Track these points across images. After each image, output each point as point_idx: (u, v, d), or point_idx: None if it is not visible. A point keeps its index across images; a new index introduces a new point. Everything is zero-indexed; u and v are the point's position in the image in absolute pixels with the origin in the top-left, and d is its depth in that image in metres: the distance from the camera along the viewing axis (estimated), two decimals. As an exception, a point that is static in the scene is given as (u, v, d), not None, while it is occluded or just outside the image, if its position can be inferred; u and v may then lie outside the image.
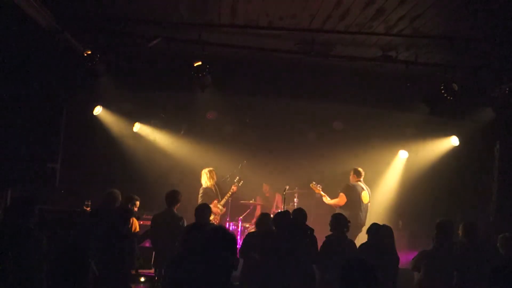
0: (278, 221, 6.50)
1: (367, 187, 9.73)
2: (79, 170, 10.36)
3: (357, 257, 3.60)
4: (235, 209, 10.72)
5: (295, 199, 10.80)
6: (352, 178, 9.72)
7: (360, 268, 3.45)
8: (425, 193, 10.84)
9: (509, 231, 6.83)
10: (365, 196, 9.51)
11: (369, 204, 9.65)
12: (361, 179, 9.69)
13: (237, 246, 3.15)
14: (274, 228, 6.62)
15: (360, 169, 9.77)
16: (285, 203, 10.24)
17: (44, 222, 6.96)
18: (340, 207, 9.30)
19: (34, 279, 5.07)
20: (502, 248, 6.55)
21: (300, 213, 6.84)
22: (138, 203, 7.78)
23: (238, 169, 10.83)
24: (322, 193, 9.77)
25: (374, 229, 6.49)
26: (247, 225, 10.19)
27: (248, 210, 10.86)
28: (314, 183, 9.95)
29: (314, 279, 6.41)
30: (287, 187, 10.47)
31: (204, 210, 7.13)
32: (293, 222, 6.57)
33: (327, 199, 9.64)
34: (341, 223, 6.79)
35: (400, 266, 6.60)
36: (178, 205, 7.65)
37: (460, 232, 6.82)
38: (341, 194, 9.42)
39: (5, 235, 5.12)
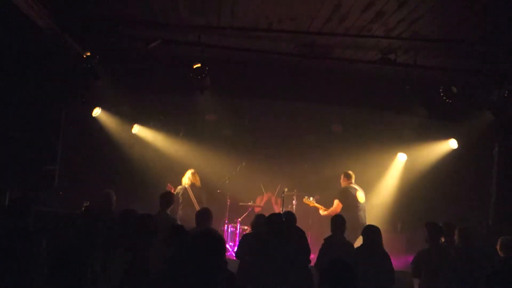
0: (270, 223, 6.35)
1: (360, 187, 9.67)
2: (78, 172, 10.34)
3: (338, 259, 3.60)
4: (233, 211, 10.70)
5: (293, 201, 10.78)
6: (343, 181, 9.63)
7: (340, 269, 3.45)
8: (424, 196, 10.82)
9: (508, 234, 6.83)
10: (360, 196, 9.43)
11: (365, 203, 9.56)
12: (352, 181, 9.61)
13: (225, 248, 3.12)
14: (267, 230, 6.40)
15: (350, 172, 9.69)
16: (284, 205, 10.24)
17: (43, 224, 6.95)
18: (341, 211, 9.24)
19: (32, 281, 5.04)
20: (501, 251, 6.55)
21: (290, 215, 6.81)
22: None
23: (236, 171, 10.84)
24: (317, 205, 9.68)
25: (369, 231, 6.48)
26: (246, 227, 10.17)
27: (247, 212, 10.85)
28: (306, 197, 9.85)
29: (310, 281, 6.38)
30: (286, 189, 10.47)
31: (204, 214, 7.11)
32: (285, 224, 6.51)
33: (323, 211, 9.49)
34: (338, 225, 6.80)
35: (397, 268, 6.59)
36: (172, 206, 7.62)
37: (456, 236, 6.84)
38: (336, 200, 9.30)
39: (2, 237, 5.09)
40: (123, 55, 9.10)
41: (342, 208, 9.18)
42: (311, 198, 9.79)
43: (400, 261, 8.11)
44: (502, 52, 7.62)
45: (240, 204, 10.81)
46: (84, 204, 8.59)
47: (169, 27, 7.73)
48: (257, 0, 6.66)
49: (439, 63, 8.23)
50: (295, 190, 10.86)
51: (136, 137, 11.25)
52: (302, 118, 11.16)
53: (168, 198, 7.51)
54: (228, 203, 10.60)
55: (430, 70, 8.31)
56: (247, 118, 11.31)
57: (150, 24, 7.74)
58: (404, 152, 11.49)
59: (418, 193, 10.95)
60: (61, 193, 9.70)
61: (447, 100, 8.23)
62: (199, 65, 8.13)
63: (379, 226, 6.71)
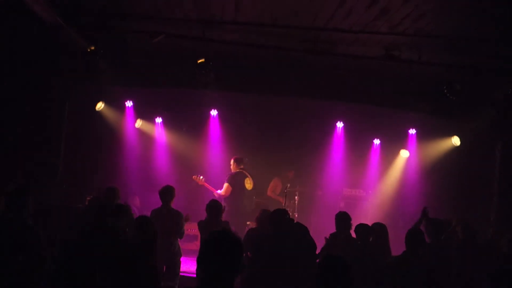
0: (276, 220, 6.21)
1: (249, 174, 9.95)
2: (81, 165, 10.37)
3: (333, 255, 3.61)
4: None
5: (296, 197, 10.81)
6: (233, 166, 9.92)
7: (335, 265, 3.46)
8: (426, 192, 10.84)
9: (510, 231, 6.84)
10: (248, 182, 9.77)
11: (253, 190, 9.96)
12: (242, 166, 9.92)
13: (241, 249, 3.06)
14: (271, 226, 6.26)
15: (240, 157, 10.03)
16: (286, 201, 10.26)
17: (46, 217, 6.97)
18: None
19: (31, 274, 5.01)
20: (507, 248, 6.54)
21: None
22: None
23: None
24: (206, 184, 9.91)
25: (361, 229, 6.46)
26: (248, 223, 10.19)
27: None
28: (195, 176, 9.98)
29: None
30: (288, 185, 10.49)
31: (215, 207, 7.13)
32: (291, 221, 6.45)
33: (215, 192, 9.68)
34: (343, 221, 6.80)
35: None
36: (174, 199, 7.61)
37: (459, 232, 6.85)
38: (226, 184, 9.61)
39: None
40: (127, 49, 9.10)
41: (230, 193, 9.46)
42: (201, 177, 9.94)
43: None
44: (506, 49, 7.60)
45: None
46: (88, 198, 8.63)
47: (173, 21, 7.72)
48: (262, -5, 6.67)
49: (443, 60, 8.21)
50: (297, 186, 10.89)
51: (139, 132, 11.29)
52: (306, 113, 11.16)
53: (168, 192, 7.48)
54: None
55: (434, 67, 8.29)
56: (250, 113, 11.31)
57: (154, 18, 7.74)
58: (407, 149, 11.51)
59: (420, 189, 10.97)
60: (64, 186, 9.73)
61: (451, 97, 8.23)
62: (203, 60, 8.14)
63: (380, 222, 6.74)
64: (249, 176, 9.90)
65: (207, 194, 9.64)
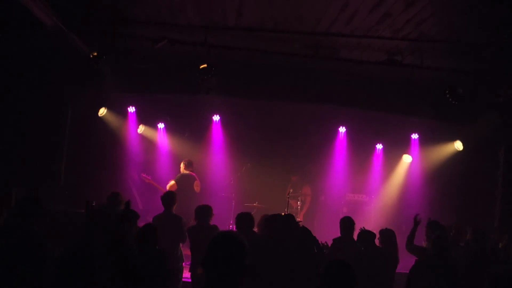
0: (282, 225, 6.19)
1: (197, 177, 9.98)
2: (84, 171, 10.35)
3: (337, 260, 3.60)
4: (239, 211, 10.69)
5: (298, 202, 10.79)
6: (182, 168, 9.96)
7: (340, 270, 3.46)
8: (429, 197, 10.81)
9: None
10: (197, 185, 9.82)
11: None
12: (193, 169, 9.96)
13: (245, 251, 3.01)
14: (274, 232, 6.05)
15: (190, 160, 10.07)
16: (289, 206, 10.24)
17: (48, 223, 6.95)
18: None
19: (34, 281, 4.97)
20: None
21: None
22: None
23: (242, 171, 10.85)
24: (154, 183, 10.07)
25: (364, 235, 6.44)
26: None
27: (252, 213, 10.83)
28: (143, 175, 10.15)
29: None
30: (291, 190, 10.47)
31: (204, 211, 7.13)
32: (297, 227, 6.38)
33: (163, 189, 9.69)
34: (347, 226, 6.78)
35: (399, 271, 6.56)
36: (175, 205, 7.60)
37: (469, 237, 6.81)
38: (172, 181, 9.65)
39: (6, 238, 5.04)
40: (129, 55, 9.12)
41: (178, 192, 9.19)
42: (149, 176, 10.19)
43: (403, 263, 8.09)
44: (508, 53, 7.59)
45: (245, 204, 10.81)
46: (92, 203, 8.60)
47: (176, 27, 7.74)
48: (264, 0, 6.67)
49: (446, 64, 8.21)
50: (299, 191, 10.86)
51: (141, 137, 11.28)
52: (308, 118, 11.15)
53: (170, 198, 7.50)
54: (233, 204, 10.61)
55: (437, 71, 8.29)
56: (252, 118, 11.31)
57: (157, 24, 7.75)
58: (410, 154, 11.49)
59: (423, 194, 10.94)
60: (66, 192, 9.72)
61: (453, 102, 8.22)
62: (205, 65, 8.15)
63: (386, 227, 6.71)
64: (197, 179, 9.91)
65: (209, 199, 9.62)
